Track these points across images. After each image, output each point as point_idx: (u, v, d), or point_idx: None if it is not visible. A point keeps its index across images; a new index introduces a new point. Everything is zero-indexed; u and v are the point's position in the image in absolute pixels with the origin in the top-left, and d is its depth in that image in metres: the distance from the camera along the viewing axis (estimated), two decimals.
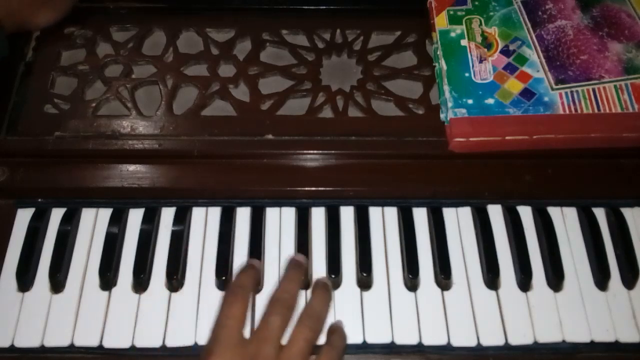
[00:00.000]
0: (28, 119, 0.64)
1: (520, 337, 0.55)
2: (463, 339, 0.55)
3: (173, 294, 0.57)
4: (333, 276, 0.57)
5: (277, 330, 0.48)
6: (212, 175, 0.62)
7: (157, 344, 0.55)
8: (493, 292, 0.57)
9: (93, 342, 0.55)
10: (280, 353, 0.47)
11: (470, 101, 0.62)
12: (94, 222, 0.61)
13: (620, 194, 0.62)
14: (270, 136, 0.63)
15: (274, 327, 0.48)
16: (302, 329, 0.49)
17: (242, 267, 0.54)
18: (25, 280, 0.57)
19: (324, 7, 0.72)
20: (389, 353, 0.55)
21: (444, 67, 0.64)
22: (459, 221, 0.61)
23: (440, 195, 0.62)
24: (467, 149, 0.61)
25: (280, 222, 0.61)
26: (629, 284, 0.58)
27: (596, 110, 0.61)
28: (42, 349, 0.54)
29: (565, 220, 0.61)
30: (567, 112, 0.61)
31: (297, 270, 0.53)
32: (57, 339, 0.55)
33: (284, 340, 0.48)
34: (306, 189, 0.61)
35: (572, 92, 0.62)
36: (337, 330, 0.53)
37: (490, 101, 0.62)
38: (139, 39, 0.70)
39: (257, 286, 0.52)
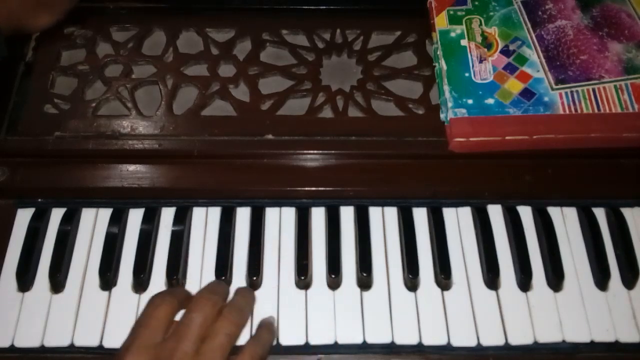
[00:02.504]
0: (28, 119, 0.64)
1: (520, 337, 0.55)
2: (463, 339, 0.55)
3: None
4: (333, 276, 0.57)
5: (197, 327, 0.47)
6: (212, 175, 0.62)
7: None
8: (493, 292, 0.57)
9: (93, 342, 0.55)
10: (199, 348, 0.46)
11: (470, 101, 0.62)
12: (94, 222, 0.61)
13: (620, 194, 0.62)
14: (270, 136, 0.63)
15: (194, 324, 0.47)
16: (223, 323, 0.48)
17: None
18: (25, 280, 0.57)
19: (324, 7, 0.72)
20: (389, 353, 0.55)
21: (444, 67, 0.64)
22: (459, 221, 0.61)
23: (440, 195, 0.62)
24: (467, 149, 0.61)
25: (280, 222, 0.61)
26: (629, 284, 0.58)
27: (596, 110, 0.61)
28: (42, 349, 0.54)
29: (565, 220, 0.61)
30: (567, 112, 0.61)
31: (220, 282, 0.54)
32: (57, 339, 0.55)
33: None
34: (306, 189, 0.61)
35: (572, 92, 0.62)
36: (265, 325, 0.53)
37: (490, 101, 0.62)
38: (139, 39, 0.70)
39: (183, 305, 0.51)
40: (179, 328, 0.47)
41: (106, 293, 0.57)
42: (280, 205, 0.62)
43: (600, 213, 0.61)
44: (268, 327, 0.53)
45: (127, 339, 0.48)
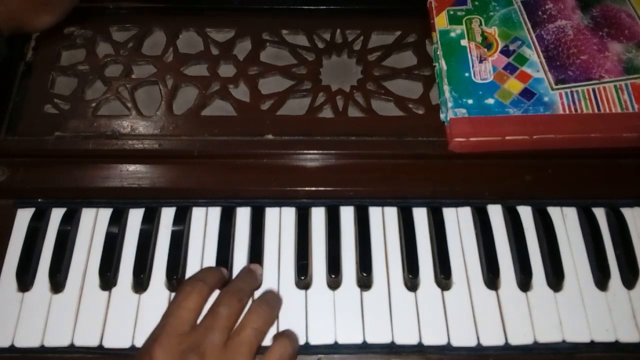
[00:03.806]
0: (28, 119, 0.64)
1: (520, 337, 0.55)
2: (463, 339, 0.55)
3: (173, 294, 0.57)
4: (333, 276, 0.57)
5: (225, 320, 0.47)
6: (212, 175, 0.62)
7: None
8: (493, 292, 0.57)
9: (93, 342, 0.55)
10: (227, 340, 0.46)
11: (470, 101, 0.62)
12: (94, 222, 0.61)
13: (620, 194, 0.62)
14: (270, 136, 0.63)
15: (222, 316, 0.47)
16: (252, 316, 0.48)
17: (208, 266, 0.54)
18: (25, 280, 0.57)
19: (324, 7, 0.72)
20: (389, 353, 0.55)
21: (444, 67, 0.64)
22: (459, 221, 0.61)
23: (440, 195, 0.62)
24: (467, 149, 0.61)
25: (280, 222, 0.61)
26: (629, 284, 0.58)
27: (596, 110, 0.61)
28: (42, 349, 0.54)
29: (565, 220, 0.61)
30: (567, 112, 0.61)
31: (250, 274, 0.53)
32: (57, 339, 0.55)
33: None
34: (306, 189, 0.61)
35: (572, 92, 0.62)
36: (289, 333, 0.52)
37: (490, 101, 0.62)
38: (139, 39, 0.70)
39: (217, 287, 0.51)
40: (207, 320, 0.48)
41: (106, 293, 0.57)
42: (280, 205, 0.62)
43: (600, 213, 0.61)
44: (290, 333, 0.53)
45: (157, 327, 0.48)
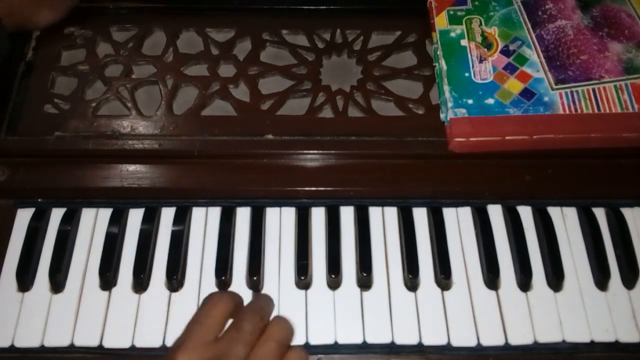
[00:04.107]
0: (28, 119, 0.64)
1: (520, 337, 0.55)
2: (463, 339, 0.55)
3: (173, 294, 0.57)
4: (333, 276, 0.57)
5: (248, 335, 0.47)
6: (212, 175, 0.62)
7: (157, 344, 0.55)
8: (493, 292, 0.57)
9: (93, 342, 0.55)
10: (250, 354, 0.46)
11: (470, 101, 0.62)
12: (94, 222, 0.61)
13: (620, 194, 0.62)
14: (270, 136, 0.63)
15: (246, 331, 0.47)
16: (274, 330, 0.48)
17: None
18: (25, 280, 0.57)
19: (324, 7, 0.72)
20: (389, 353, 0.55)
21: (444, 67, 0.64)
22: (459, 221, 0.61)
23: (440, 195, 0.62)
24: (467, 149, 0.61)
25: (280, 222, 0.61)
26: (629, 284, 0.58)
27: (596, 110, 0.61)
28: (42, 349, 0.54)
29: (565, 220, 0.61)
30: (567, 112, 0.61)
31: (268, 298, 0.53)
32: (57, 339, 0.55)
33: None
34: (306, 189, 0.61)
35: (572, 92, 0.62)
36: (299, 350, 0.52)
37: (490, 101, 0.62)
38: (139, 39, 0.70)
39: (238, 309, 0.51)
40: (231, 332, 0.48)
41: (106, 293, 0.57)
42: (280, 205, 0.62)
43: (600, 213, 0.61)
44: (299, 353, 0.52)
45: (182, 333, 0.48)
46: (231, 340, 0.47)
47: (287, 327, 0.49)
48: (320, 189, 0.61)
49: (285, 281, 0.58)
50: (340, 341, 0.55)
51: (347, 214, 0.61)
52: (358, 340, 0.55)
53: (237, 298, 0.51)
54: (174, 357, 0.46)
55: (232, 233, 0.60)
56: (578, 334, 0.55)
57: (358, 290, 0.57)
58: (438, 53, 0.66)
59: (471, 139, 0.60)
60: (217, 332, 0.48)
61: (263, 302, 0.52)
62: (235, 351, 0.46)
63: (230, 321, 0.49)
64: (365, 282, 0.57)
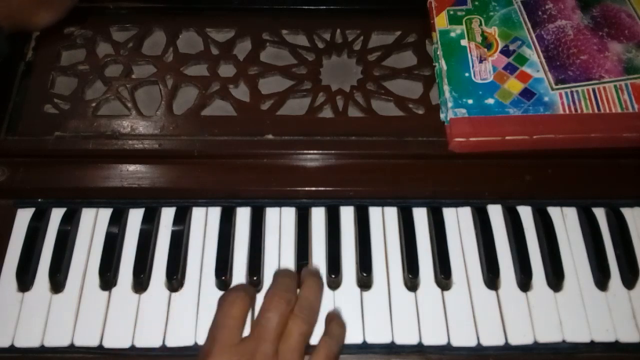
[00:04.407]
0: (28, 119, 0.64)
1: (520, 337, 0.55)
2: (463, 339, 0.55)
3: (173, 294, 0.57)
4: (333, 276, 0.57)
5: (274, 328, 0.48)
6: (212, 175, 0.62)
7: (157, 344, 0.55)
8: (493, 292, 0.57)
9: (93, 342, 0.55)
10: (277, 348, 0.47)
11: (470, 101, 0.62)
12: (94, 222, 0.61)
13: (620, 194, 0.62)
14: (270, 136, 0.63)
15: (271, 325, 0.48)
16: (296, 322, 0.49)
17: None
18: (25, 280, 0.57)
19: (324, 7, 0.72)
20: (389, 353, 0.55)
21: (444, 67, 0.64)
22: (459, 221, 0.61)
23: (440, 195, 0.62)
24: (467, 149, 0.61)
25: (280, 222, 0.61)
26: (629, 284, 0.58)
27: (596, 110, 0.61)
28: (42, 349, 0.54)
29: (565, 220, 0.61)
30: (567, 112, 0.61)
31: (290, 273, 0.54)
32: (57, 339, 0.55)
33: None
34: (306, 189, 0.61)
35: (572, 92, 0.62)
36: (334, 319, 0.53)
37: (490, 101, 0.62)
38: (139, 39, 0.70)
39: (255, 299, 0.53)
40: (256, 329, 0.48)
41: (106, 293, 0.57)
42: (280, 205, 0.62)
43: (600, 213, 0.61)
44: (338, 322, 0.53)
45: (207, 340, 0.49)
46: (258, 339, 0.47)
47: (308, 315, 0.50)
48: (320, 189, 0.61)
49: None
50: None
51: (347, 214, 0.61)
52: (358, 340, 0.55)
53: (251, 291, 0.52)
54: None
55: (232, 233, 0.60)
56: (578, 334, 0.55)
57: (358, 290, 0.57)
58: (438, 53, 0.66)
59: (471, 139, 0.60)
60: (240, 331, 0.48)
61: (287, 279, 0.52)
62: (263, 349, 0.47)
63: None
64: (365, 282, 0.57)
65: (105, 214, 0.61)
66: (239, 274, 0.58)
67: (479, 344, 0.55)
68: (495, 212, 0.61)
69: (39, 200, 0.62)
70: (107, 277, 0.57)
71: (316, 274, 0.54)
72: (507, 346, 0.55)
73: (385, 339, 0.55)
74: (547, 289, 0.57)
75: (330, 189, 0.61)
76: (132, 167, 0.62)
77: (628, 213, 0.61)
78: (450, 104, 0.62)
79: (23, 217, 0.60)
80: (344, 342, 0.53)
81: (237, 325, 0.48)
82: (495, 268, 0.58)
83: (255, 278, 0.57)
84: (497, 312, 0.56)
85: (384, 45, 0.69)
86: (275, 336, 0.48)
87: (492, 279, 0.57)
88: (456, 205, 0.62)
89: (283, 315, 0.49)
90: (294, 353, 0.48)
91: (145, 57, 0.69)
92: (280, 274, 0.54)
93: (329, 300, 0.57)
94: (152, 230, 0.60)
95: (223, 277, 0.57)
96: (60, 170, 0.62)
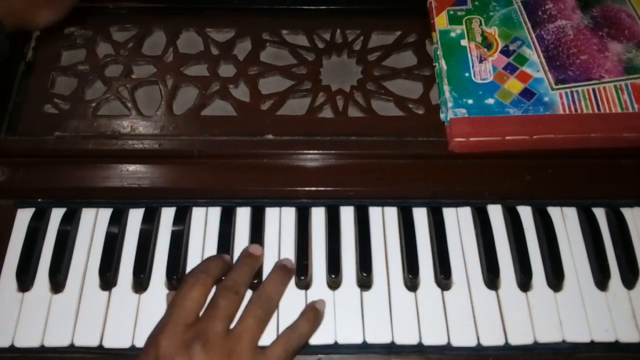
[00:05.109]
0: (28, 119, 0.64)
1: (520, 337, 0.55)
2: (463, 339, 0.55)
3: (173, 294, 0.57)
4: (333, 276, 0.57)
5: (225, 310, 0.50)
6: (212, 175, 0.62)
7: None
8: (493, 292, 0.57)
9: (93, 342, 0.55)
10: (229, 329, 0.49)
11: (470, 101, 0.62)
12: (94, 222, 0.61)
13: (620, 194, 0.62)
14: (270, 136, 0.63)
15: (222, 307, 0.50)
16: (251, 307, 0.51)
17: (210, 256, 0.56)
18: (25, 280, 0.57)
19: (324, 7, 0.72)
20: (389, 353, 0.55)
21: (444, 67, 0.64)
22: (459, 221, 0.61)
23: (440, 195, 0.62)
24: (467, 149, 0.61)
25: (280, 222, 0.61)
26: (629, 284, 0.58)
27: (596, 110, 0.61)
28: (42, 349, 0.54)
29: (565, 220, 0.61)
30: (567, 112, 0.61)
31: (247, 261, 0.55)
32: (57, 339, 0.55)
33: None
34: (306, 189, 0.61)
35: (572, 92, 0.62)
36: (306, 314, 0.54)
37: (490, 101, 0.62)
38: (139, 39, 0.70)
39: (221, 275, 0.54)
40: (208, 310, 0.50)
41: (106, 293, 0.57)
42: (280, 205, 0.62)
43: (600, 213, 0.61)
44: (308, 317, 0.54)
45: (163, 318, 0.51)
46: (209, 318, 0.50)
47: (265, 302, 0.52)
48: (320, 189, 0.61)
49: None
50: (340, 341, 0.55)
51: (347, 214, 0.61)
52: (358, 340, 0.55)
53: (214, 271, 0.53)
54: (157, 340, 0.48)
55: (232, 233, 0.60)
56: (578, 334, 0.55)
57: (358, 290, 0.57)
58: (438, 53, 0.66)
59: (471, 139, 0.60)
60: (196, 312, 0.50)
61: (237, 274, 0.54)
62: (213, 327, 0.49)
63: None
64: (365, 282, 0.57)
65: (105, 214, 0.61)
66: None
67: (479, 344, 0.55)
68: (495, 212, 0.61)
69: (39, 200, 0.62)
70: (107, 277, 0.57)
71: (282, 267, 0.56)
72: (507, 346, 0.55)
73: (385, 339, 0.55)
74: (547, 289, 0.57)
75: (330, 189, 0.61)
76: (132, 167, 0.62)
77: (628, 213, 0.61)
78: (450, 104, 0.62)
79: (23, 217, 0.60)
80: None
81: (193, 307, 0.50)
82: (495, 268, 0.58)
83: (255, 279, 0.57)
84: (497, 312, 0.56)
85: (384, 45, 0.69)
86: (225, 316, 0.50)
87: (492, 279, 0.57)
88: (456, 205, 0.62)
89: (233, 301, 0.51)
90: (245, 333, 0.49)
91: (145, 57, 0.69)
92: (236, 265, 0.55)
93: (329, 300, 0.57)
94: (152, 230, 0.60)
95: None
96: (60, 170, 0.62)
